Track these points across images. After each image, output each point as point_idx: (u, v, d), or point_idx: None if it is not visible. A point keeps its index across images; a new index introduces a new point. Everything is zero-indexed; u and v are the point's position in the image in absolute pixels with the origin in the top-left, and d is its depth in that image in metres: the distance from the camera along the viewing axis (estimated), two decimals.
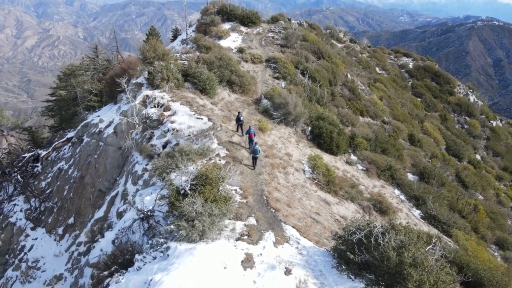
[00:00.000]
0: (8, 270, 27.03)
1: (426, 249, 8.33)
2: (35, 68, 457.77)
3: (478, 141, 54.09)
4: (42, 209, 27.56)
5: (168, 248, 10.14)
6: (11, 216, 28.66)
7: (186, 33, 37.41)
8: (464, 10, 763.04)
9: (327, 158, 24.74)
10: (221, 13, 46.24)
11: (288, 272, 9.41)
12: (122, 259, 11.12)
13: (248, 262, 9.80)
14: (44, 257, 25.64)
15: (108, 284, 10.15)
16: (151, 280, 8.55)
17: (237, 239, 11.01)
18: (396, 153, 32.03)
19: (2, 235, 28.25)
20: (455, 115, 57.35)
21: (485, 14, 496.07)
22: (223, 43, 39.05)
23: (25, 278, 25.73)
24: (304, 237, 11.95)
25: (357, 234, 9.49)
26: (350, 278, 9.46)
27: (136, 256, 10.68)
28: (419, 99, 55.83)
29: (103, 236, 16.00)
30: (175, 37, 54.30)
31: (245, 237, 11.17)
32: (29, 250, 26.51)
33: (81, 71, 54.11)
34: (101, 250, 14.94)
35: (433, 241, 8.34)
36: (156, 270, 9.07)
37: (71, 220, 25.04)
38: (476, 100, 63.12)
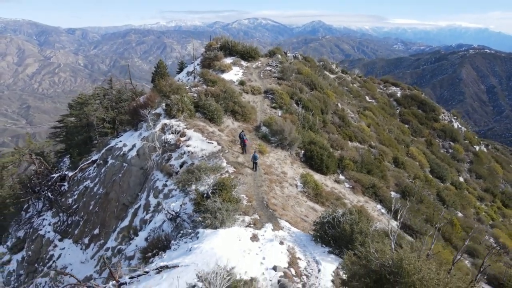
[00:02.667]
0: (38, 277, 30.59)
1: (373, 227, 12.44)
2: (35, 95, 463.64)
3: (461, 164, 57.95)
4: (69, 222, 31.46)
5: (197, 232, 14.14)
6: (40, 229, 32.53)
7: (194, 67, 42.19)
8: (456, 39, 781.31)
9: (317, 177, 28.79)
10: (224, 49, 51.19)
11: (281, 243, 13.45)
12: (161, 245, 15.09)
13: (254, 238, 13.80)
14: (71, 264, 29.31)
15: (152, 261, 14.05)
16: (191, 248, 12.53)
17: (246, 226, 15.05)
18: (380, 173, 36.14)
19: (32, 246, 32.03)
20: (440, 140, 61.49)
21: (477, 43, 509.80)
22: (226, 76, 43.56)
23: (53, 284, 29.28)
24: (294, 227, 16.01)
25: (327, 218, 13.72)
26: (322, 246, 13.60)
27: (172, 241, 14.67)
28: (406, 126, 60.36)
29: (137, 235, 20.00)
30: (181, 69, 59.23)
31: (252, 225, 15.25)
32: (57, 259, 30.21)
33: (92, 100, 58.20)
34: (136, 245, 18.84)
35: (376, 223, 12.32)
36: (191, 245, 13.03)
37: (96, 231, 28.91)
38: (459, 126, 67.75)
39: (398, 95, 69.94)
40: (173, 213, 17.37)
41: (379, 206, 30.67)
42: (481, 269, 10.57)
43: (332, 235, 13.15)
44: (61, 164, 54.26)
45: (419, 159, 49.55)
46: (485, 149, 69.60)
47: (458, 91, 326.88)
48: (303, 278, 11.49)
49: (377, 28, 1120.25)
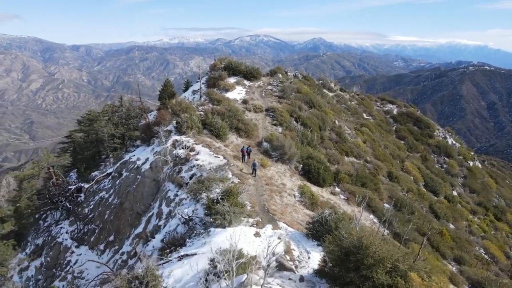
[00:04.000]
0: (55, 281, 33.05)
1: (353, 223, 15.06)
2: (39, 110, 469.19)
3: (455, 179, 60.12)
4: (85, 230, 34.08)
5: (209, 231, 16.77)
6: (58, 237, 35.12)
7: (200, 86, 45.17)
8: (455, 56, 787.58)
9: (314, 189, 31.36)
10: (227, 69, 54.21)
11: (279, 238, 16.06)
12: (177, 243, 17.69)
13: (257, 234, 16.41)
14: (87, 268, 31.74)
15: (171, 255, 16.61)
16: (205, 241, 15.16)
17: (250, 226, 17.69)
18: (374, 186, 38.70)
19: (51, 253, 34.55)
20: (435, 156, 63.81)
21: (476, 60, 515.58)
22: (230, 95, 46.39)
23: (71, 287, 31.73)
24: (290, 227, 18.65)
25: (317, 217, 16.43)
26: (313, 241, 16.27)
27: (187, 240, 17.29)
28: (402, 142, 62.86)
29: (154, 238, 22.59)
30: (186, 88, 62.25)
31: (255, 225, 17.90)
32: (74, 264, 32.71)
33: (101, 116, 60.98)
34: (153, 246, 21.37)
35: (355, 221, 14.91)
36: (205, 240, 15.66)
37: (111, 238, 31.49)
38: (454, 142, 70.27)
39: (395, 112, 72.70)
40: (187, 217, 20.02)
41: (371, 216, 33.20)
42: (404, 234, 12.74)
43: (321, 231, 15.82)
44: (67, 178, 56.73)
45: (413, 174, 51.85)
46: (479, 165, 71.75)
47: (458, 107, 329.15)
48: (295, 263, 14.13)
49: (377, 45, 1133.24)
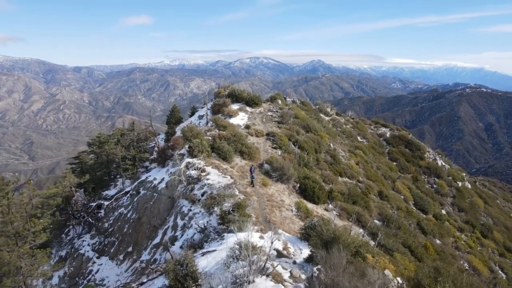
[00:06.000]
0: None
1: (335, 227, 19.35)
2: (39, 131, 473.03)
3: (445, 198, 63.87)
4: (106, 243, 38.06)
5: (223, 236, 20.96)
6: (81, 249, 39.08)
7: (206, 112, 49.77)
8: (452, 78, 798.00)
9: (310, 206, 35.49)
10: (231, 96, 58.97)
11: (279, 240, 20.28)
12: (196, 246, 21.83)
13: (261, 237, 20.54)
14: (108, 276, 35.62)
15: (194, 254, 20.69)
16: (221, 242, 19.34)
17: (256, 232, 21.88)
18: (364, 204, 42.81)
19: (74, 263, 38.44)
20: (426, 176, 67.70)
21: (473, 82, 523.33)
22: (233, 120, 50.82)
23: None
24: (288, 233, 22.86)
25: (308, 223, 20.73)
26: (305, 242, 20.48)
27: (204, 244, 21.45)
28: (394, 163, 66.99)
29: (173, 245, 26.68)
30: (192, 113, 66.86)
31: (259, 231, 22.10)
32: (96, 273, 36.57)
33: (111, 139, 65.09)
34: (173, 252, 25.45)
35: (331, 221, 19.15)
36: (220, 242, 19.80)
37: (130, 249, 35.47)
38: (443, 164, 74.51)
39: (388, 135, 77.06)
40: (202, 226, 24.20)
41: (361, 230, 37.20)
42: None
43: (311, 233, 20.06)
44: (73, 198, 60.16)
45: (404, 193, 55.76)
46: (469, 185, 75.54)
47: (456, 128, 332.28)
48: (291, 255, 18.31)
49: (375, 67, 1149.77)
